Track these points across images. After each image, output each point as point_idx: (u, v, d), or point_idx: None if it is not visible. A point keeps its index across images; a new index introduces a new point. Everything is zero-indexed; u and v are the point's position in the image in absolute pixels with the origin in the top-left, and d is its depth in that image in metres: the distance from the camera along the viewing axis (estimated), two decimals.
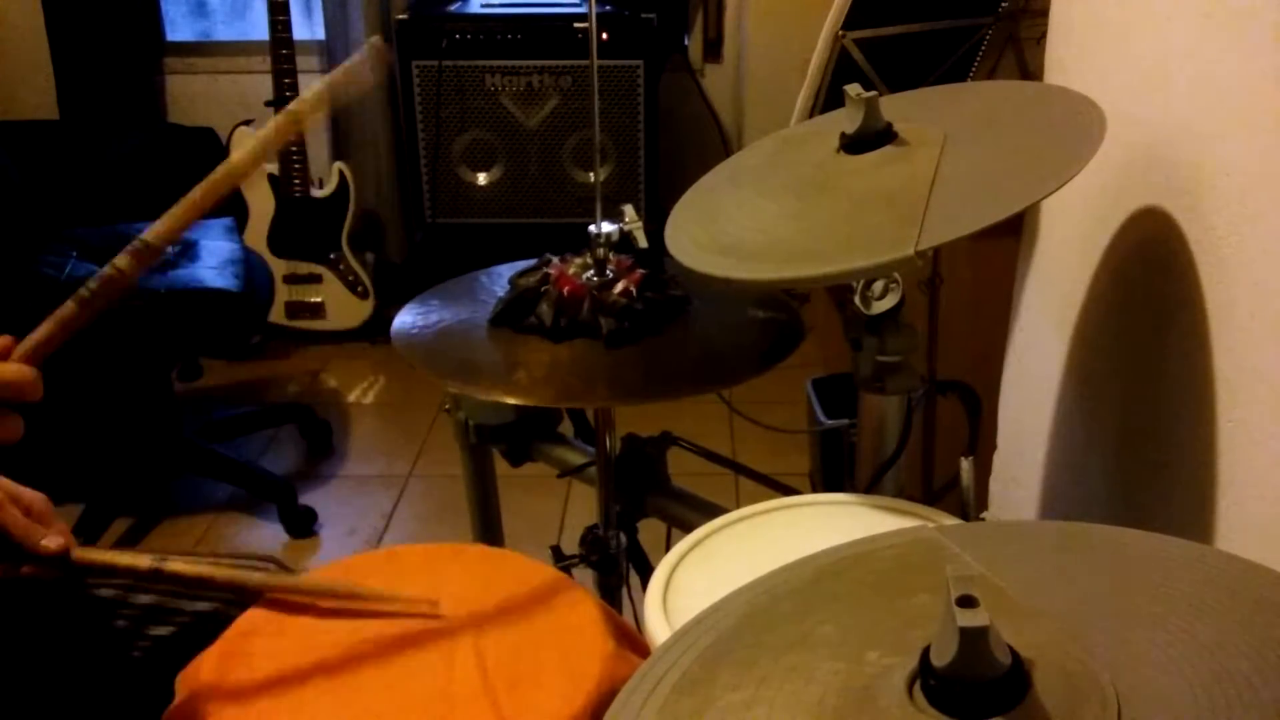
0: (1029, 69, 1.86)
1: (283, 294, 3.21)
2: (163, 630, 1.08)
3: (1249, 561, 0.66)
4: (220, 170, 0.98)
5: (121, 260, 0.97)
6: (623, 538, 1.52)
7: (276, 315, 3.22)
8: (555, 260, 1.35)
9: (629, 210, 1.36)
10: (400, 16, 3.12)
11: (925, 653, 0.59)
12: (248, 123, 3.13)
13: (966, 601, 0.55)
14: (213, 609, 1.03)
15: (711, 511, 1.29)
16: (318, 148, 3.32)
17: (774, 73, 3.23)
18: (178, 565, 1.00)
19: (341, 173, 3.17)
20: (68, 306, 0.97)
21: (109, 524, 2.45)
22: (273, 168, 3.14)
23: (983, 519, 1.65)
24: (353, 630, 0.99)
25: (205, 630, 1.00)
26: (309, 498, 2.58)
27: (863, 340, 1.20)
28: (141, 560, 1.01)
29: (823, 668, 0.64)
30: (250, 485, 2.62)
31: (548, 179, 3.22)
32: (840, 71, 1.69)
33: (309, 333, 3.29)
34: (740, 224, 1.15)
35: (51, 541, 0.95)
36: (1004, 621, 0.58)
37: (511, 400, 1.23)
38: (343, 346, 3.31)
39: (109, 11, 3.24)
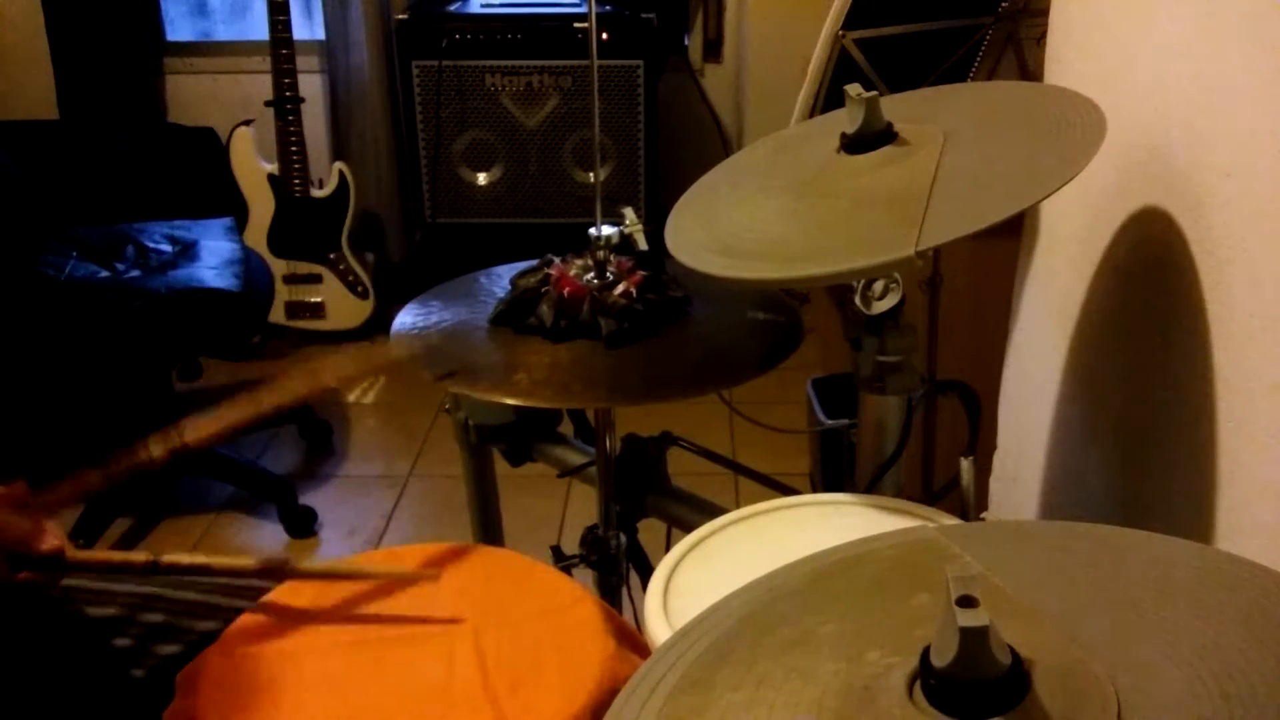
0: (1029, 69, 1.86)
1: (283, 294, 3.21)
2: (171, 649, 1.08)
3: (1249, 561, 0.66)
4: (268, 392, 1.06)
5: (156, 449, 1.03)
6: (623, 538, 1.52)
7: (276, 315, 3.22)
8: (556, 261, 1.35)
9: (629, 213, 1.36)
10: (400, 16, 3.12)
11: (925, 653, 0.59)
12: (248, 123, 3.13)
13: (966, 601, 0.55)
14: (219, 628, 1.04)
15: (711, 511, 1.29)
16: (318, 148, 3.32)
17: (774, 73, 3.22)
18: (174, 557, 1.01)
19: (341, 173, 3.17)
20: (94, 477, 1.02)
21: (109, 524, 2.45)
22: (273, 168, 3.14)
23: (983, 519, 1.65)
24: (353, 631, 0.99)
25: None
26: (309, 498, 2.58)
27: (863, 340, 1.20)
28: (137, 556, 1.02)
29: (823, 668, 0.64)
30: (250, 485, 2.62)
31: (548, 179, 3.22)
32: (840, 71, 1.69)
33: (309, 333, 3.29)
34: (740, 224, 1.15)
35: (46, 543, 0.96)
36: (1004, 621, 0.58)
37: (511, 401, 1.23)
38: (342, 346, 3.31)
39: (109, 11, 3.24)
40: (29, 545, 0.95)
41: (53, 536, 0.97)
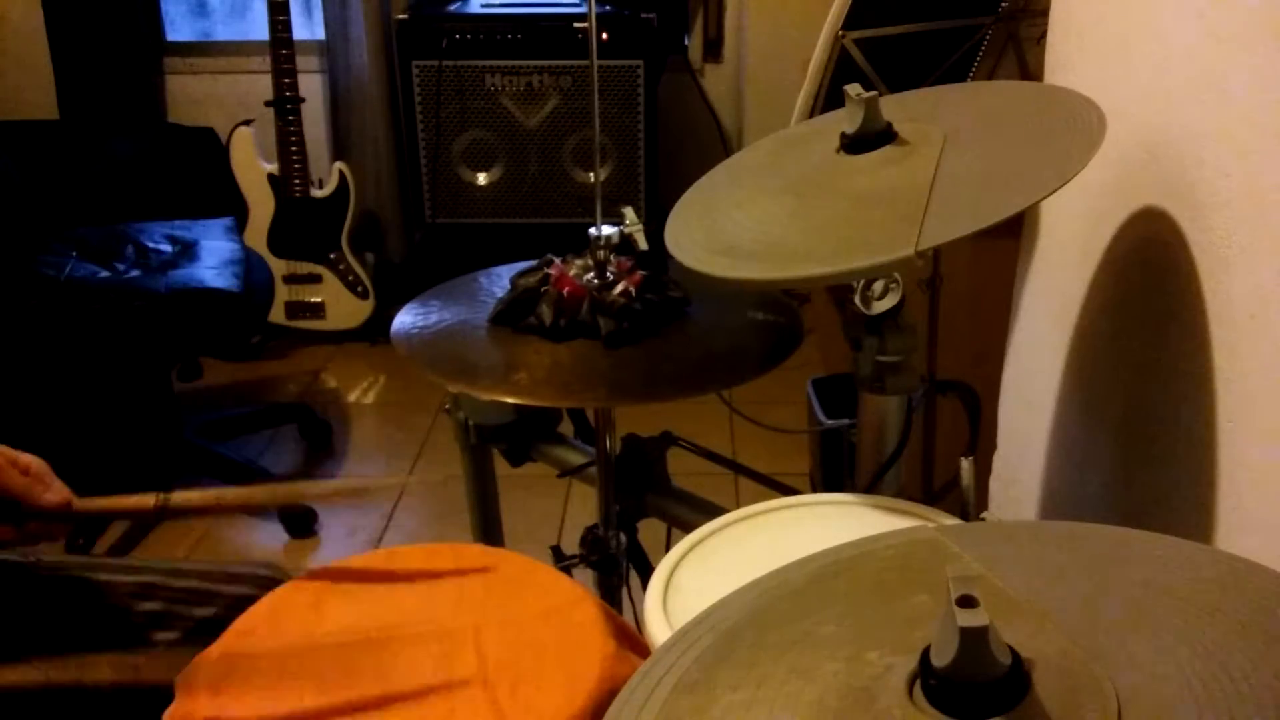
0: (1029, 69, 1.86)
1: (283, 294, 3.21)
2: (168, 635, 1.08)
3: (1249, 561, 0.65)
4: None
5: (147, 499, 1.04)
6: (623, 538, 1.52)
7: (276, 315, 3.22)
8: (556, 261, 1.35)
9: (629, 213, 1.36)
10: (400, 16, 3.12)
11: (925, 653, 0.59)
12: (248, 123, 3.13)
13: (966, 601, 0.55)
14: (216, 614, 1.04)
15: (711, 511, 1.29)
16: (318, 148, 3.32)
17: (774, 73, 3.23)
18: (184, 497, 1.01)
19: (341, 173, 3.17)
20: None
21: (109, 524, 2.45)
22: (273, 168, 3.14)
23: (983, 519, 1.65)
24: (352, 630, 0.99)
25: (209, 636, 1.01)
26: None
27: (863, 340, 1.20)
28: (146, 500, 1.01)
29: (823, 668, 0.64)
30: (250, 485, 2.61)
31: (548, 179, 3.22)
32: (840, 71, 1.69)
33: (309, 333, 3.29)
34: (740, 224, 1.15)
35: (53, 495, 0.97)
36: (1004, 621, 0.58)
37: (511, 400, 1.23)
38: (342, 346, 3.31)
39: (109, 11, 3.24)
40: (34, 497, 0.96)
41: (59, 490, 0.98)
